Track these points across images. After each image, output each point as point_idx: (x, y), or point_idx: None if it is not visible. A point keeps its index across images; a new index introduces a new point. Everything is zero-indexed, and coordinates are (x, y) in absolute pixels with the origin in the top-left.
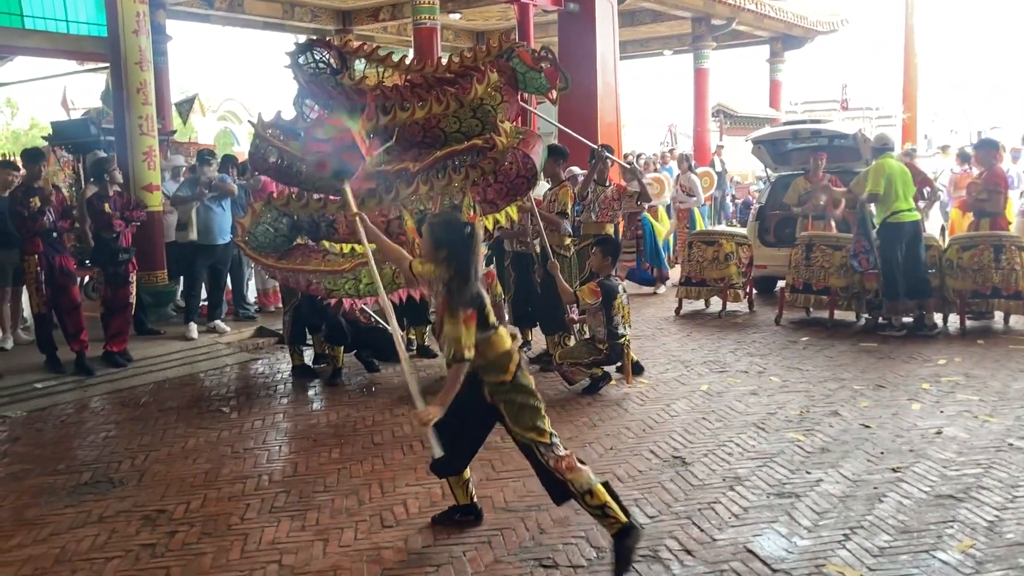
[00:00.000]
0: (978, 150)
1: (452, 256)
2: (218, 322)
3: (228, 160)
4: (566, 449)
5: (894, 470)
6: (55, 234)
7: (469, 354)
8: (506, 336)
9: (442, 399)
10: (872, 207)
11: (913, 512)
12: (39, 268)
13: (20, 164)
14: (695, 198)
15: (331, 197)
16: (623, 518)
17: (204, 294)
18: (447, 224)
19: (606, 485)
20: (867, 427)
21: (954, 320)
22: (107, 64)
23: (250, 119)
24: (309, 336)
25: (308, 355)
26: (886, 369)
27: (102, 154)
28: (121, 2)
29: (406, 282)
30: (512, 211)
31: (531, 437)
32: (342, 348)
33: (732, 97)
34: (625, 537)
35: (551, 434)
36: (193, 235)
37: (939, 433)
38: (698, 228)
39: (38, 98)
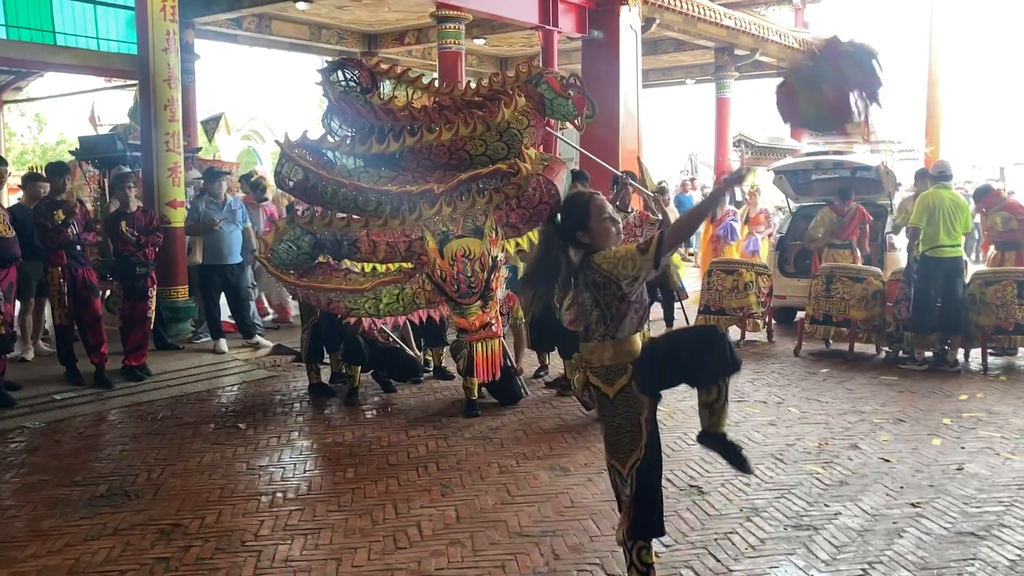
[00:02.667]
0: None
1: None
2: (258, 337)
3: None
4: None
5: (914, 505)
6: (78, 247)
7: None
8: None
9: None
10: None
11: (933, 548)
12: (62, 280)
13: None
14: None
15: (354, 217)
16: None
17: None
18: None
19: None
20: (887, 461)
21: (976, 355)
22: (135, 81)
23: (277, 139)
24: (326, 354)
25: (325, 373)
26: (906, 403)
27: (126, 169)
28: (152, 21)
29: (426, 303)
30: (534, 236)
31: None
32: (359, 367)
33: (753, 127)
34: None
35: None
36: (198, 258)
37: (960, 469)
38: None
39: (66, 113)
